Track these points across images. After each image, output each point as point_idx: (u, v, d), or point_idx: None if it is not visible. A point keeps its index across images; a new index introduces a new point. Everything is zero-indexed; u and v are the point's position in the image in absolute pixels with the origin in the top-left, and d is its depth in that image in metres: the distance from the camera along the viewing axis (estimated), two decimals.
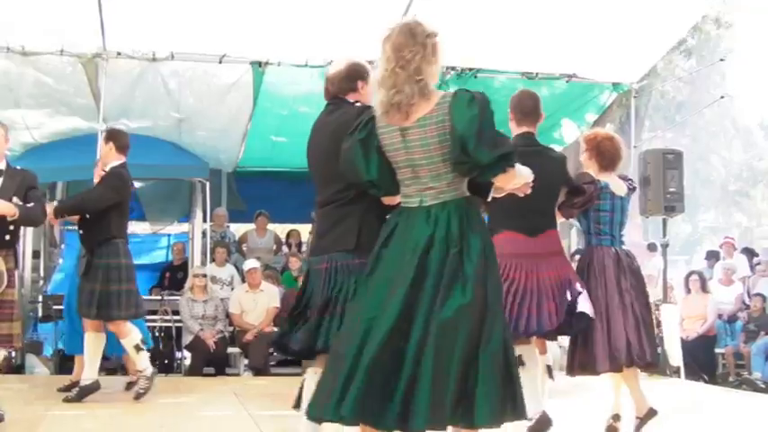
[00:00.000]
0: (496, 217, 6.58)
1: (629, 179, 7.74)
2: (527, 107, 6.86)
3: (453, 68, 12.90)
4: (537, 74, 13.08)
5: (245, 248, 15.75)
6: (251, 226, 16.19)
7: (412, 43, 4.50)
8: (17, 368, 12.74)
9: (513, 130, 6.74)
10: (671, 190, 11.84)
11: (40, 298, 13.97)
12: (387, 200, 4.89)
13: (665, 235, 12.46)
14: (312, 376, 5.14)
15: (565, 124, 14.21)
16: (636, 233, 17.96)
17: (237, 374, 12.80)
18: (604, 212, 7.27)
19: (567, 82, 13.19)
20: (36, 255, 15.02)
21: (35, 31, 11.61)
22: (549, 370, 7.18)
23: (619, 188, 7.33)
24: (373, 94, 4.62)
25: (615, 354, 6.95)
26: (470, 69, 12.91)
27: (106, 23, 11.41)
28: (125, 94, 12.91)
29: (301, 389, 5.38)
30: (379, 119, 4.57)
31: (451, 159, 4.43)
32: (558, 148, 15.60)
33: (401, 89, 4.43)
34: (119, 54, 12.01)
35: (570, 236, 16.59)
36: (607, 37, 11.98)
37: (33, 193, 7.71)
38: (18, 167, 8.09)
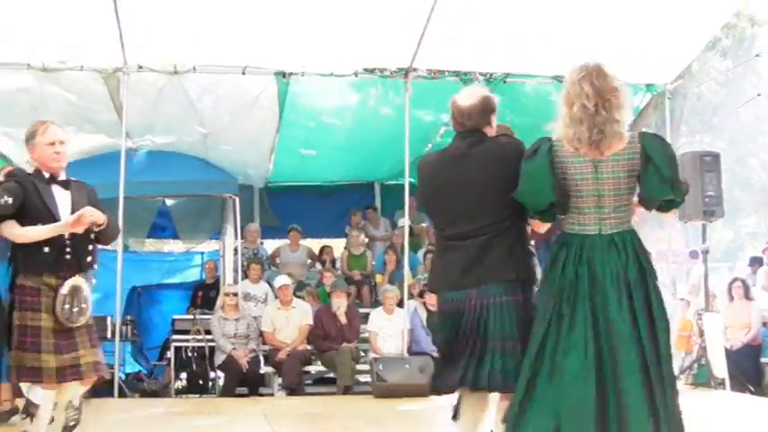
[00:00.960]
0: None
1: None
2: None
3: (483, 73, 12.59)
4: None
5: (278, 263, 15.52)
6: (284, 241, 15.95)
7: (612, 88, 5.15)
8: None
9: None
10: (709, 193, 11.53)
11: None
12: (538, 225, 5.48)
13: (704, 241, 12.10)
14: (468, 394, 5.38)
15: None
16: (678, 241, 17.63)
17: (271, 394, 12.51)
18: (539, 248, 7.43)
19: None
20: None
21: (55, 48, 11.41)
22: None
23: None
24: (563, 128, 5.11)
25: None
26: (500, 74, 12.58)
27: (125, 37, 11.18)
28: (148, 109, 12.72)
29: (458, 403, 5.50)
30: (564, 149, 5.13)
31: (650, 195, 5.11)
32: (626, 118, 15.50)
33: (602, 128, 5.02)
34: (140, 68, 11.77)
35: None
36: (638, 37, 11.61)
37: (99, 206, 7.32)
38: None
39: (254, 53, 11.74)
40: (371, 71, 12.41)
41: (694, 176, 11.54)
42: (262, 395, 12.43)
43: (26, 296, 6.13)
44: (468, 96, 5.68)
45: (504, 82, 12.64)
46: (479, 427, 5.51)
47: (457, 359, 5.34)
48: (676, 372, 12.56)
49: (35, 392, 6.17)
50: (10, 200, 6.03)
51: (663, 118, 13.56)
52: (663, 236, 16.64)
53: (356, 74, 12.17)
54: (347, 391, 12.18)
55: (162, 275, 16.42)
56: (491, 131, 5.61)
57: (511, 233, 5.41)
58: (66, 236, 6.17)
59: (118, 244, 13.24)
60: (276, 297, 13.19)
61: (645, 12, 11.36)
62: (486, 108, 5.64)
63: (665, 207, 5.25)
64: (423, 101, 12.74)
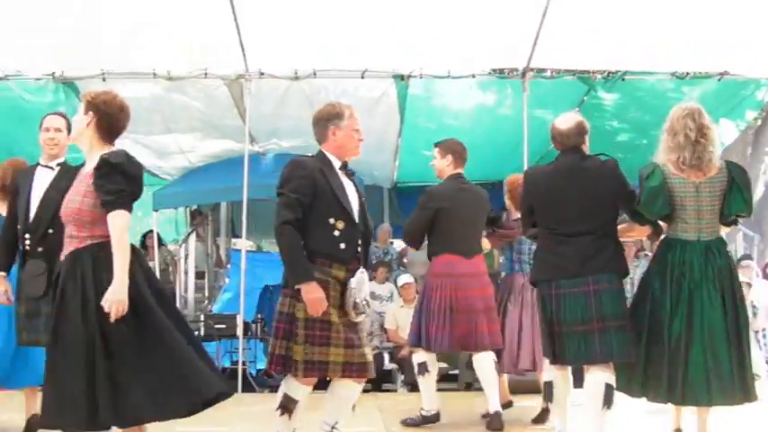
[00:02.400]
0: (438, 241, 8.43)
1: None
2: (462, 152, 8.76)
3: (601, 72, 12.58)
4: (687, 73, 12.56)
5: (405, 262, 15.72)
6: None
7: (707, 124, 6.55)
8: None
9: (448, 171, 8.69)
10: None
11: (203, 317, 14.19)
12: (642, 231, 7.05)
13: None
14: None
15: (723, 124, 13.64)
16: None
17: (395, 390, 12.69)
18: (524, 245, 9.04)
19: (719, 80, 12.56)
20: (200, 275, 15.33)
21: (178, 56, 11.83)
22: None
23: None
24: (666, 152, 6.57)
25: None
26: (617, 72, 12.51)
27: (246, 43, 11.49)
28: (272, 114, 13.03)
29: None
30: (671, 172, 6.51)
31: (730, 211, 6.60)
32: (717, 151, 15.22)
33: (701, 155, 6.46)
34: (261, 74, 12.07)
35: (736, 240, 16.07)
36: (759, 30, 11.36)
37: None
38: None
39: (372, 56, 11.89)
40: (489, 72, 12.49)
41: None
42: (385, 391, 12.62)
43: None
44: (565, 121, 6.97)
45: (623, 80, 12.57)
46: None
47: (570, 336, 6.60)
48: None
49: (295, 388, 6.25)
50: None
51: None
52: None
53: (473, 75, 12.21)
54: (468, 387, 12.27)
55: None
56: (586, 149, 6.90)
57: (613, 234, 6.79)
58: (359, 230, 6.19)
59: (242, 244, 13.70)
60: (400, 295, 13.41)
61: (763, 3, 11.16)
62: (580, 131, 6.90)
63: (736, 221, 6.88)
64: (542, 101, 12.73)
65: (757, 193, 20.10)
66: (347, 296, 6.09)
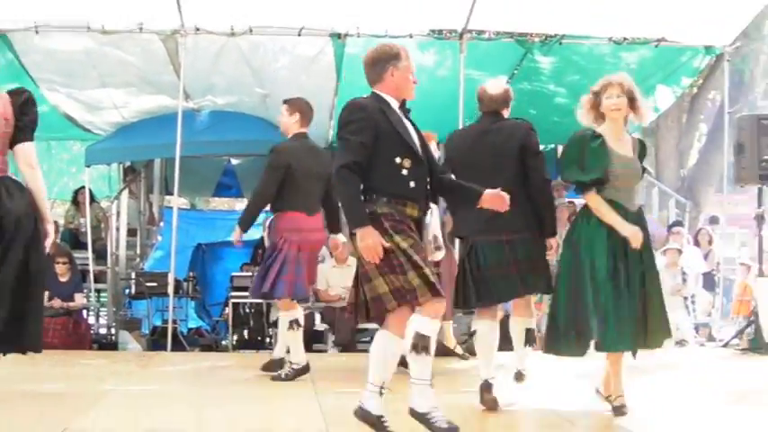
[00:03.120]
0: (284, 197, 8.71)
1: None
2: (309, 113, 9.23)
3: (539, 35, 12.59)
4: (624, 39, 12.58)
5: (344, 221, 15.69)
6: None
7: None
8: (111, 345, 12.95)
9: (294, 128, 9.04)
10: (766, 157, 11.35)
11: (134, 275, 14.07)
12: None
13: (760, 206, 11.92)
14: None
15: (660, 90, 13.75)
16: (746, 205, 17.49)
17: (325, 351, 12.67)
18: None
19: (655, 46, 12.65)
20: (132, 233, 15.19)
21: (113, 9, 11.63)
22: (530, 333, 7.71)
23: None
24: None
25: None
26: (555, 35, 12.52)
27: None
28: (207, 70, 12.94)
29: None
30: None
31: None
32: (653, 116, 15.35)
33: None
34: (197, 30, 11.94)
35: (668, 207, 16.24)
36: None
37: None
38: None
39: (309, 14, 11.83)
40: (428, 33, 12.46)
41: (752, 140, 11.45)
42: (316, 352, 12.60)
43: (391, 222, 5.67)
44: (495, 86, 7.47)
45: (560, 44, 12.60)
46: None
47: (492, 279, 7.07)
48: (730, 336, 12.58)
49: (426, 323, 5.64)
50: None
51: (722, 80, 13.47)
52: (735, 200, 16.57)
53: (411, 35, 12.13)
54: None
55: (227, 233, 16.62)
56: (506, 114, 7.39)
57: (523, 192, 6.98)
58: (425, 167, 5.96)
59: (174, 202, 13.59)
60: (332, 255, 13.37)
61: None
62: (506, 98, 7.40)
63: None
64: (480, 63, 12.72)
65: (690, 161, 20.35)
66: (425, 233, 5.90)
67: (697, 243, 15.25)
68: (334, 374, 9.29)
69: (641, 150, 7.04)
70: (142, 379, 8.80)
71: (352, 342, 12.56)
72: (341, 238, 12.54)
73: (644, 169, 7.12)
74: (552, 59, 13.11)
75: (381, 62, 6.01)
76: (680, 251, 13.49)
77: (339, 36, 12.22)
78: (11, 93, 5.88)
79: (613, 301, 6.52)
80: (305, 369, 8.99)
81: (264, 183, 8.85)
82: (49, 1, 11.36)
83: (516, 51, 12.80)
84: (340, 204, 6.07)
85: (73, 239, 14.88)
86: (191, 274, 13.85)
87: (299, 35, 12.10)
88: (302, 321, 9.04)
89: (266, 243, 9.34)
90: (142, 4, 11.56)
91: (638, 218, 6.82)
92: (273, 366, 9.19)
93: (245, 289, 13.04)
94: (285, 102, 9.12)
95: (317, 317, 13.03)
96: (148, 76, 13.12)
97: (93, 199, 15.11)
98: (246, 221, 9.12)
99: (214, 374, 9.31)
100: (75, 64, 12.66)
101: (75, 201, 15.27)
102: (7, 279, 5.56)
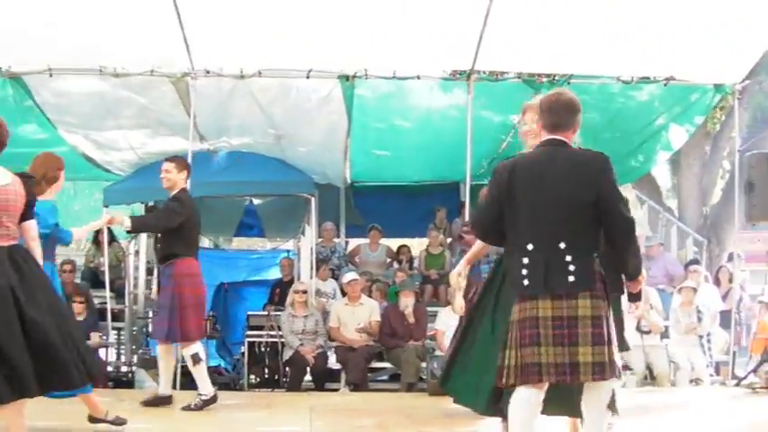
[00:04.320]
0: (185, 244, 9.46)
1: None
2: None
3: (546, 75, 12.62)
4: (633, 78, 12.62)
5: (357, 261, 15.80)
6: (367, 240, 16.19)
7: None
8: (128, 383, 13.06)
9: (181, 184, 9.63)
10: None
11: (151, 314, 14.19)
12: None
13: None
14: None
15: (672, 129, 13.75)
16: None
17: (337, 390, 12.73)
18: None
19: (665, 85, 12.65)
20: (152, 271, 15.34)
21: (124, 53, 11.85)
22: None
23: None
24: None
25: None
26: (563, 75, 12.54)
27: (191, 42, 11.53)
28: (219, 112, 13.11)
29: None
30: None
31: None
32: (665, 155, 15.34)
33: None
34: (207, 72, 12.12)
35: (687, 245, 16.18)
36: (704, 36, 11.45)
37: None
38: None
39: (317, 56, 11.94)
40: (435, 74, 12.53)
41: (762, 178, 11.43)
42: (328, 390, 12.67)
43: None
44: None
45: (568, 83, 12.47)
46: None
47: None
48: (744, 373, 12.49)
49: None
50: None
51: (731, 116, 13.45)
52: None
53: (419, 77, 12.26)
54: (410, 388, 12.30)
55: (248, 272, 16.79)
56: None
57: None
58: None
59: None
60: (344, 293, 13.49)
61: (708, 9, 11.13)
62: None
63: None
64: (488, 103, 12.89)
65: (714, 199, 20.23)
66: None
67: (717, 281, 15.14)
68: (333, 415, 9.37)
69: None
70: (143, 417, 8.84)
71: (364, 380, 12.62)
72: (351, 276, 12.70)
73: None
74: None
75: (578, 111, 5.79)
76: (695, 290, 13.40)
77: (347, 78, 12.33)
78: (20, 175, 6.59)
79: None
80: (213, 399, 9.45)
81: (170, 219, 9.45)
82: (62, 44, 11.50)
83: (525, 91, 12.75)
84: (629, 254, 5.71)
85: (93, 278, 15.11)
86: (211, 313, 13.94)
87: (308, 77, 12.20)
88: (203, 356, 9.65)
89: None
90: (153, 47, 11.70)
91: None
92: (159, 402, 9.54)
93: (261, 328, 13.24)
94: (172, 160, 9.72)
95: (331, 356, 13.11)
96: (162, 118, 13.29)
97: (113, 238, 15.33)
98: (138, 225, 10.18)
99: (215, 414, 9.32)
100: (90, 106, 12.88)
101: (96, 240, 15.50)
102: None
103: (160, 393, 9.67)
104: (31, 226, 6.65)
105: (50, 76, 12.11)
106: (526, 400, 5.54)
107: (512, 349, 5.59)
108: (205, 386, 9.47)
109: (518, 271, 5.63)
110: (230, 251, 19.46)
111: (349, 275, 13.51)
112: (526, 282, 5.57)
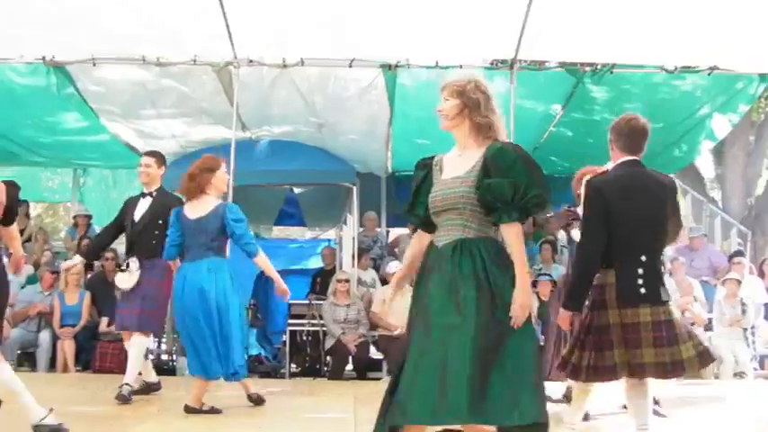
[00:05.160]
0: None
1: None
2: None
3: (590, 64, 12.53)
4: (676, 67, 12.48)
5: (398, 251, 15.77)
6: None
7: None
8: (170, 371, 13.07)
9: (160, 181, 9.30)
10: None
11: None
12: None
13: None
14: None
15: (716, 119, 13.65)
16: None
17: (380, 378, 12.71)
18: None
19: (708, 74, 12.53)
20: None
21: (167, 42, 11.89)
22: None
23: None
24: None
25: None
26: (606, 65, 12.45)
27: (234, 31, 11.54)
28: (261, 101, 13.13)
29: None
30: None
31: None
32: (709, 144, 15.17)
33: None
34: (250, 62, 12.14)
35: (731, 237, 15.99)
36: (748, 24, 11.30)
37: None
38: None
39: (360, 45, 11.93)
40: (477, 63, 12.37)
41: None
42: (370, 379, 12.66)
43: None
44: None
45: (611, 73, 12.51)
46: None
47: None
48: None
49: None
50: None
51: None
52: None
53: (461, 66, 12.02)
54: None
55: (288, 262, 16.78)
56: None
57: None
58: None
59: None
60: (386, 282, 13.46)
61: None
62: None
63: None
64: (531, 92, 12.85)
65: (759, 190, 20.01)
66: None
67: (762, 273, 14.95)
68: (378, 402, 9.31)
69: (491, 161, 4.98)
70: (179, 404, 8.82)
71: None
72: (395, 266, 12.63)
73: (487, 185, 4.95)
74: (605, 89, 13.02)
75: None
76: (739, 282, 13.26)
77: (390, 67, 12.31)
78: (5, 183, 6.61)
79: None
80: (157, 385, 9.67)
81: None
82: (106, 34, 11.60)
83: (567, 81, 12.77)
84: None
85: None
86: (252, 301, 13.95)
87: (350, 66, 12.20)
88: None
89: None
90: (195, 36, 11.77)
91: (445, 252, 5.05)
92: (149, 390, 9.59)
93: (302, 317, 13.23)
94: (152, 154, 9.54)
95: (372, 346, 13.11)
96: (204, 107, 13.35)
97: None
98: None
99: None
100: (132, 95, 12.96)
101: None
102: None
103: (150, 381, 9.70)
104: (15, 229, 6.92)
105: (94, 65, 12.22)
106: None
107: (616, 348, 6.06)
108: (149, 373, 9.68)
109: (633, 281, 6.01)
110: (271, 240, 19.43)
111: (393, 265, 13.44)
112: (643, 290, 5.99)
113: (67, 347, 12.36)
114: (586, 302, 6.31)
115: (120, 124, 13.90)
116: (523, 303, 4.80)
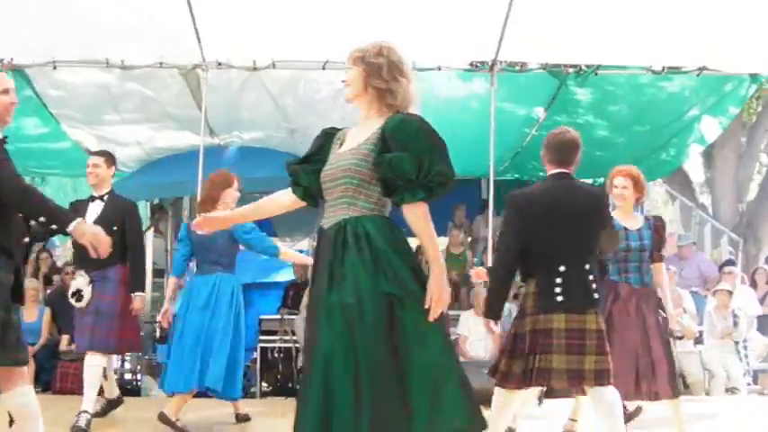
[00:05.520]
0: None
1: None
2: None
3: (573, 66, 12.08)
4: (663, 68, 12.04)
5: None
6: None
7: None
8: (134, 391, 12.61)
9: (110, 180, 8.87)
10: None
11: (159, 318, 13.71)
12: None
13: None
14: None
15: (705, 121, 13.28)
16: None
17: None
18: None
19: (697, 75, 12.09)
20: (159, 273, 14.84)
21: (132, 44, 11.45)
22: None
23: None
24: None
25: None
26: (590, 66, 12.01)
27: (202, 33, 11.16)
28: (231, 105, 12.71)
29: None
30: None
31: None
32: (698, 148, 14.79)
33: None
34: (219, 64, 11.76)
35: (722, 245, 15.69)
36: (738, 24, 10.96)
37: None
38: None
39: (333, 46, 11.27)
40: (456, 65, 12.08)
41: None
42: None
43: None
44: None
45: (596, 74, 12.09)
46: None
47: None
48: None
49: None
50: None
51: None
52: None
53: (440, 68, 11.82)
54: None
55: (258, 274, 16.27)
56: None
57: None
58: None
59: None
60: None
61: None
62: None
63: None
64: (512, 95, 12.46)
65: (750, 195, 19.67)
66: None
67: (754, 283, 14.56)
68: None
69: (389, 133, 4.52)
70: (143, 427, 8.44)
71: None
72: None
73: (387, 160, 4.44)
74: (589, 91, 12.66)
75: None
76: (730, 292, 12.86)
77: None
78: None
79: None
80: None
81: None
82: (68, 36, 11.16)
83: (550, 83, 12.37)
84: None
85: None
86: None
87: (324, 69, 11.73)
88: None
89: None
90: (162, 38, 11.32)
91: (329, 234, 4.63)
92: (114, 406, 9.33)
93: (274, 333, 12.75)
94: (101, 154, 9.07)
95: None
96: (171, 112, 12.94)
97: None
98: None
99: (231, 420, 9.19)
100: (95, 99, 12.56)
101: None
102: None
103: (111, 398, 9.37)
104: None
105: (54, 68, 11.80)
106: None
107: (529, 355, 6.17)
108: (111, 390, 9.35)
109: (550, 290, 6.09)
110: (239, 252, 18.93)
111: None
112: (560, 298, 6.07)
113: (26, 367, 11.77)
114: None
115: (81, 130, 13.45)
116: (440, 298, 4.33)
